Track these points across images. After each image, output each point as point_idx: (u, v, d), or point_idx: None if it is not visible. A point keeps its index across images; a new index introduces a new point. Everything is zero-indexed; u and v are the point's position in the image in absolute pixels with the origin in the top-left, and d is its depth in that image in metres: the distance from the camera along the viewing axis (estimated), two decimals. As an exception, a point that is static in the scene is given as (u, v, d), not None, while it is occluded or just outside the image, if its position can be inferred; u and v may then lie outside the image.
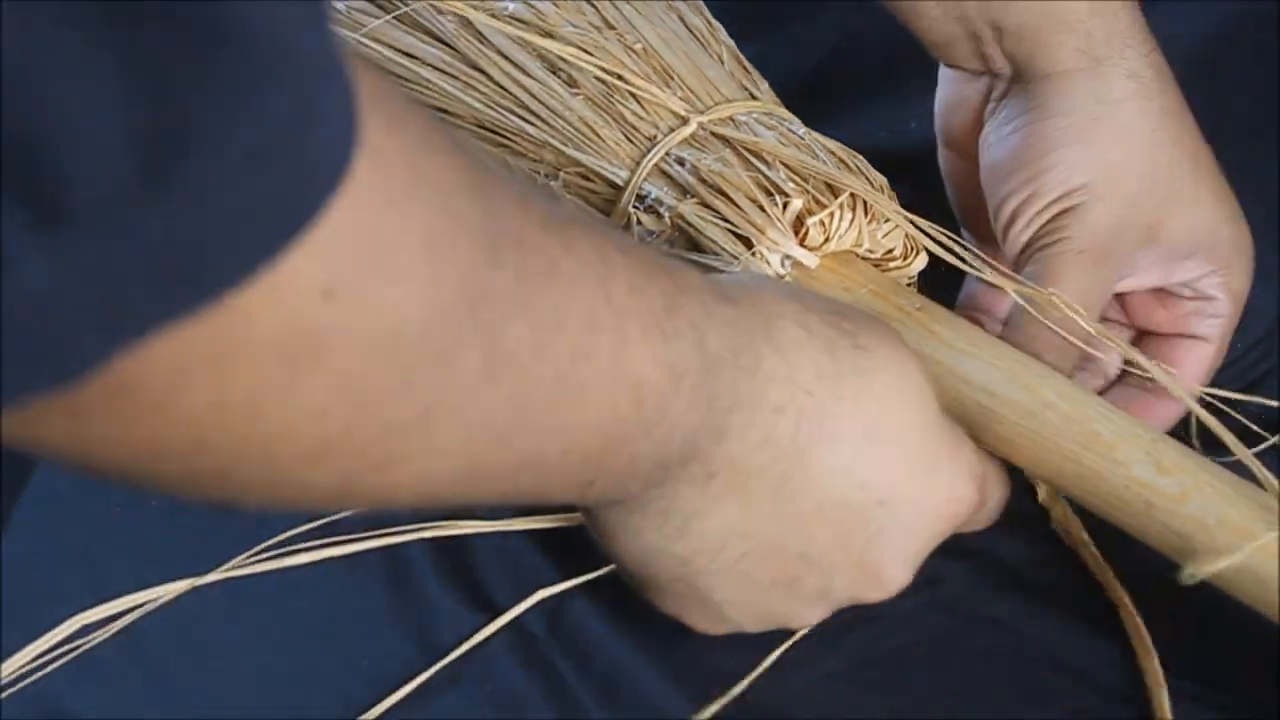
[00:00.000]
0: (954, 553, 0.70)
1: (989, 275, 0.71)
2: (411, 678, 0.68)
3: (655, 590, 0.64)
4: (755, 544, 0.62)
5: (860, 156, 0.75)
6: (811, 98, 0.82)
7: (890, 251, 0.74)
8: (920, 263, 0.75)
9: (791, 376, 0.59)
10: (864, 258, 0.73)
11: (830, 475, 0.61)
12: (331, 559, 0.73)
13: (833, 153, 0.74)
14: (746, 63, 0.79)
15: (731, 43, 0.79)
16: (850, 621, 0.67)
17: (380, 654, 0.69)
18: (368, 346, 0.44)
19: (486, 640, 0.69)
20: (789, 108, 0.77)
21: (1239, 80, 0.86)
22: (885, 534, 0.63)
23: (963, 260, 0.72)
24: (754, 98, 0.76)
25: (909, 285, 0.75)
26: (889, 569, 0.64)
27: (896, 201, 0.74)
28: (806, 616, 0.65)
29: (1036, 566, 0.71)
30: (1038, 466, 0.66)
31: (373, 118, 0.41)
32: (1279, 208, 0.81)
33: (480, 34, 0.76)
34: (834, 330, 0.61)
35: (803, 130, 0.75)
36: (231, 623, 0.71)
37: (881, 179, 0.75)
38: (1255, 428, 0.70)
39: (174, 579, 0.72)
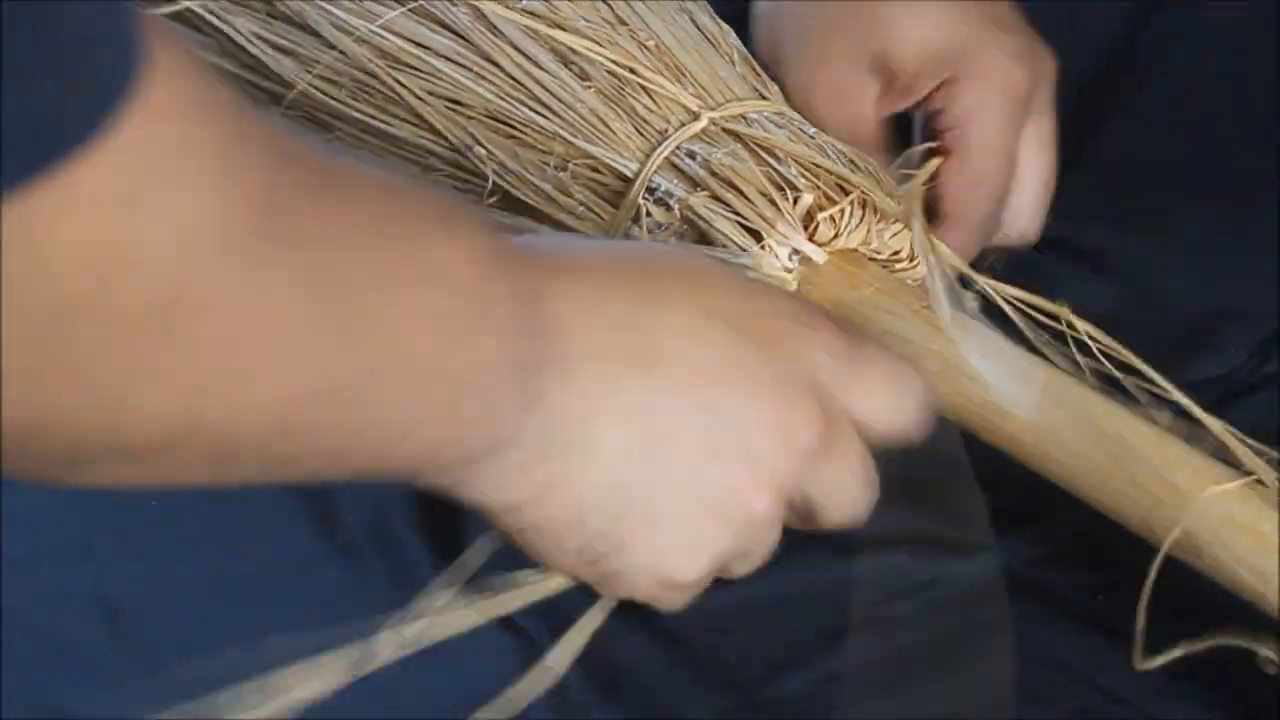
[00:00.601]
0: (952, 553, 0.70)
1: (985, 282, 0.71)
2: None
3: (603, 557, 0.60)
4: (658, 435, 0.59)
5: (870, 158, 0.75)
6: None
7: (897, 253, 0.74)
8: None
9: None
10: (871, 258, 0.73)
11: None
12: (329, 558, 0.73)
13: (843, 153, 0.74)
14: (756, 65, 0.79)
15: (741, 44, 0.80)
16: (852, 624, 0.68)
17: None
18: (171, 255, 0.44)
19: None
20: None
21: (1239, 80, 0.86)
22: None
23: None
24: (764, 98, 0.77)
25: (915, 285, 0.76)
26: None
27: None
28: (757, 498, 0.60)
29: (1035, 567, 0.71)
30: (1043, 463, 0.66)
31: (159, 41, 0.43)
32: (1279, 208, 0.81)
33: (493, 25, 0.76)
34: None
35: (813, 130, 0.75)
36: (234, 624, 0.70)
37: (890, 180, 0.75)
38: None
39: (174, 579, 0.72)
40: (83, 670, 0.69)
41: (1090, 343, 0.71)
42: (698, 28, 0.78)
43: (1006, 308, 0.71)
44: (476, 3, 0.75)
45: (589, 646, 0.67)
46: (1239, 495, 0.63)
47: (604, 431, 0.58)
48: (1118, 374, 0.72)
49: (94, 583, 0.71)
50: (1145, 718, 0.66)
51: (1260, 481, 0.65)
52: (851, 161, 0.74)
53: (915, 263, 0.74)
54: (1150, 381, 0.70)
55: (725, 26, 0.79)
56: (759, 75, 0.79)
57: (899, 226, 0.73)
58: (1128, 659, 0.67)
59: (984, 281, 0.72)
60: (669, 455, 0.58)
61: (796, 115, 0.77)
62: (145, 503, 0.74)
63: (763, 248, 0.71)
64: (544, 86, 0.75)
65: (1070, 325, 0.71)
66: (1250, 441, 0.68)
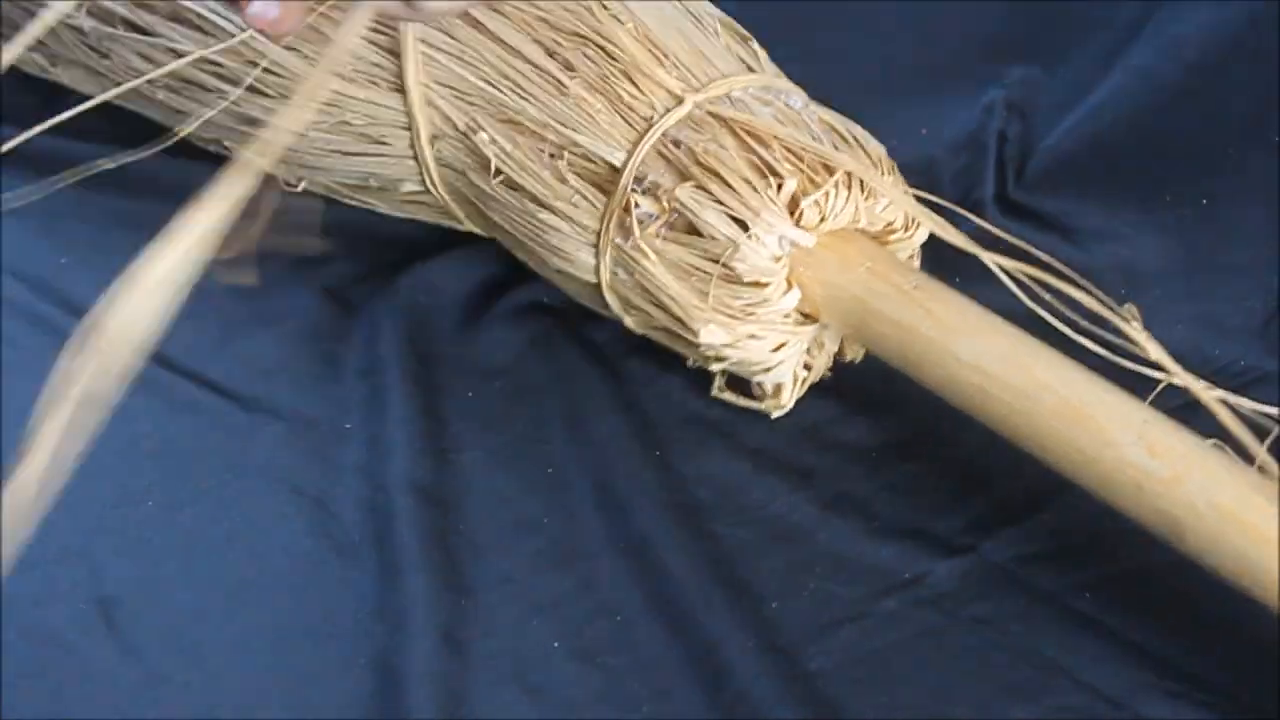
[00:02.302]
0: (939, 551, 0.71)
1: (986, 258, 0.71)
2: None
3: None
4: None
5: (858, 126, 0.75)
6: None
7: (890, 224, 0.73)
8: (922, 235, 0.74)
9: None
10: (864, 231, 0.73)
11: None
12: (325, 557, 0.73)
13: (831, 126, 0.74)
14: (744, 32, 0.78)
15: (727, 17, 0.79)
16: (837, 620, 0.68)
17: (377, 652, 0.70)
18: None
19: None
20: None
21: (1239, 80, 0.86)
22: None
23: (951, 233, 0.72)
24: (751, 70, 0.76)
25: (911, 258, 0.75)
26: None
27: (896, 170, 0.74)
28: None
29: (1021, 564, 0.70)
30: (1030, 445, 0.66)
31: None
32: (1279, 207, 0.81)
33: (476, 20, 0.76)
34: None
35: (800, 103, 0.75)
36: (230, 622, 0.71)
37: (879, 149, 0.74)
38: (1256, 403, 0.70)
39: (170, 577, 0.72)
40: (81, 670, 0.69)
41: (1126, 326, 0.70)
42: (682, 2, 0.78)
43: (999, 272, 0.69)
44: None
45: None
46: (1227, 480, 0.62)
47: None
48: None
49: (92, 582, 0.72)
50: (1132, 715, 0.65)
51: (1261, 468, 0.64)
52: (839, 135, 0.74)
53: (909, 234, 0.74)
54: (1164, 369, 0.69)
55: (707, -4, 0.79)
56: (746, 43, 0.78)
57: (888, 200, 0.72)
58: (1114, 656, 0.67)
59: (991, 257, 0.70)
60: None
61: (785, 85, 0.76)
62: (143, 502, 0.75)
63: (750, 237, 0.70)
64: (528, 77, 0.75)
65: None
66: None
